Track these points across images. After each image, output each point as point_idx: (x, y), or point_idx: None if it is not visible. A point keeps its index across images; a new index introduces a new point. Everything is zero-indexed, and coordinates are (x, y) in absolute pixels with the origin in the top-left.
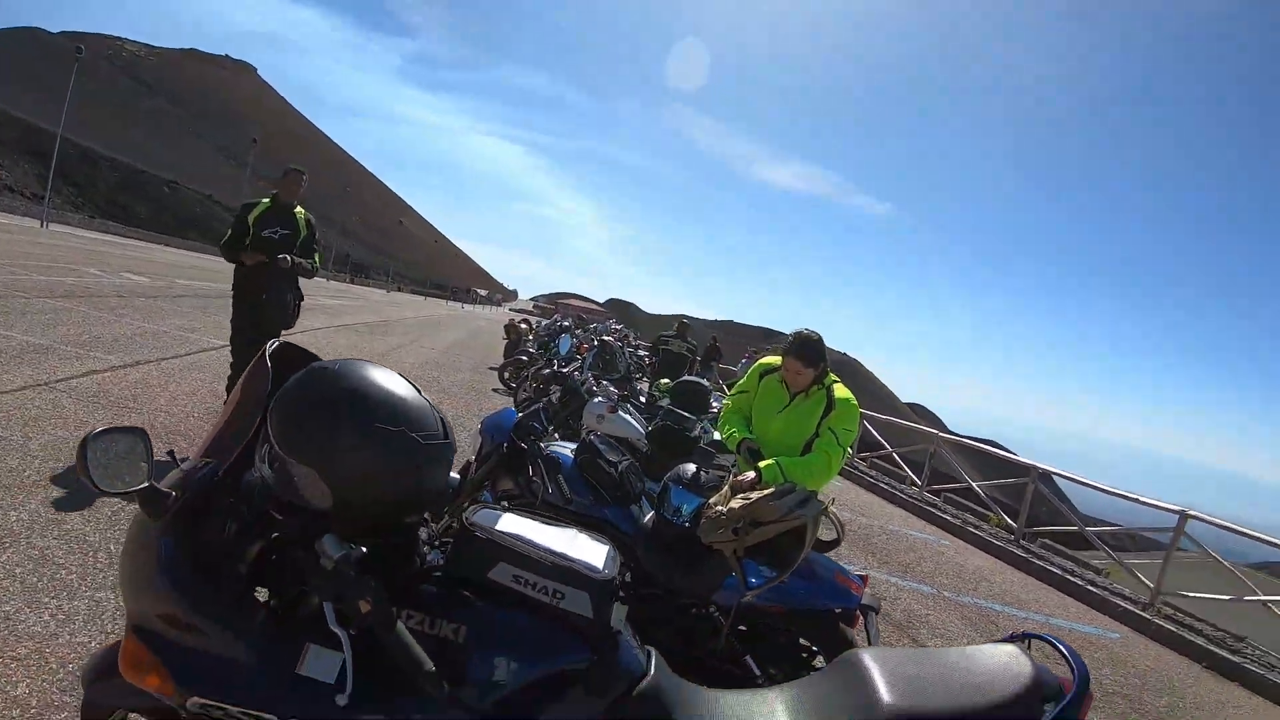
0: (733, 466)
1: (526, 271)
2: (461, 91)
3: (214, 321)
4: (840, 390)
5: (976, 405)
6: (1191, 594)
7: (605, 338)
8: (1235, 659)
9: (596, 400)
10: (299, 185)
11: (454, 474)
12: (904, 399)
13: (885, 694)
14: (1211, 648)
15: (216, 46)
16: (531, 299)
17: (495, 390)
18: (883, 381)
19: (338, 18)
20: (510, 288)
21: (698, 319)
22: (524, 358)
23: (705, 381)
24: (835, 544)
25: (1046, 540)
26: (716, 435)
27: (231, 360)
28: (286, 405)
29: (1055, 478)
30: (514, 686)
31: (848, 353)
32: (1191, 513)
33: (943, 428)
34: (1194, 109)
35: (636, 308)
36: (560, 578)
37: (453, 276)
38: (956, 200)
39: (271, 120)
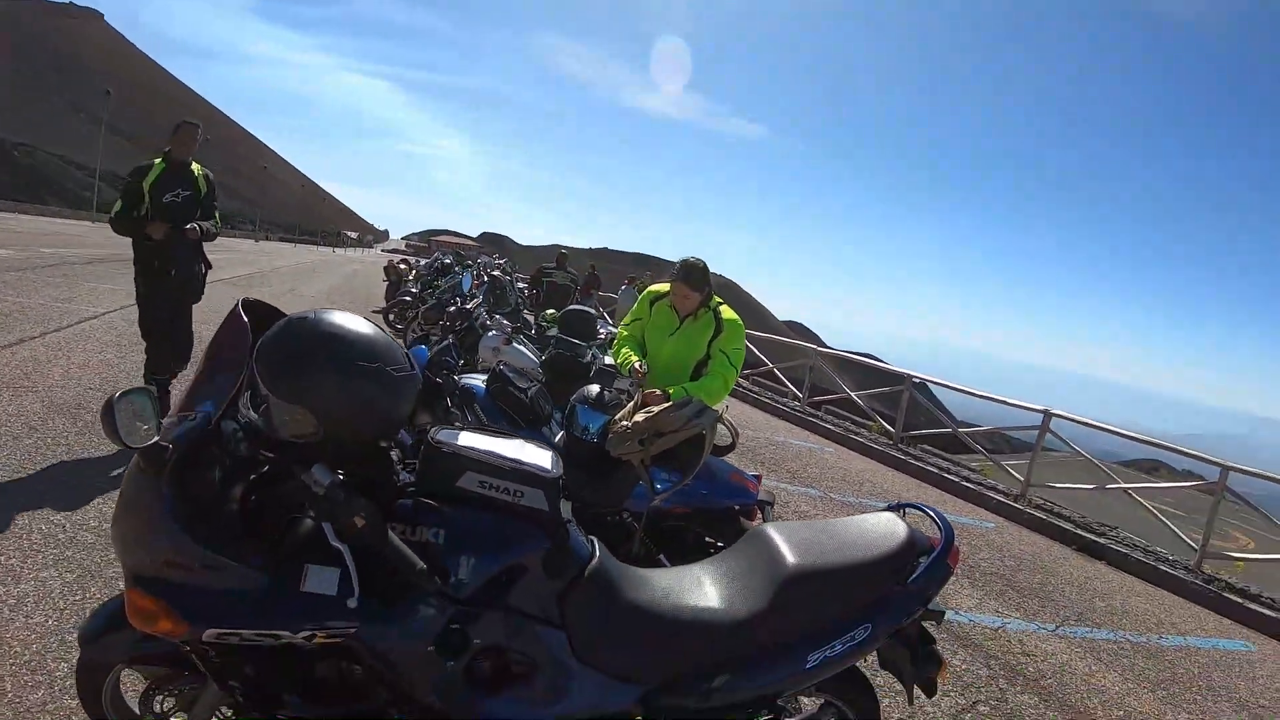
0: (631, 387)
1: (397, 211)
2: (321, 27)
3: (88, 289)
4: (727, 312)
5: (852, 323)
6: (1058, 485)
7: (494, 272)
8: (1101, 541)
9: (491, 334)
10: (194, 140)
11: None
12: (781, 318)
13: (789, 556)
14: (1079, 532)
15: None
16: (403, 238)
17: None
18: (760, 303)
19: None
20: (381, 228)
21: (574, 248)
22: (407, 299)
23: (591, 310)
24: (731, 448)
25: (924, 445)
26: (609, 360)
27: (145, 340)
28: (274, 353)
29: (930, 386)
30: (488, 575)
31: (725, 275)
32: (1054, 411)
33: (821, 344)
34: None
35: (511, 240)
36: (519, 479)
37: (322, 221)
38: (827, 117)
39: (124, 71)
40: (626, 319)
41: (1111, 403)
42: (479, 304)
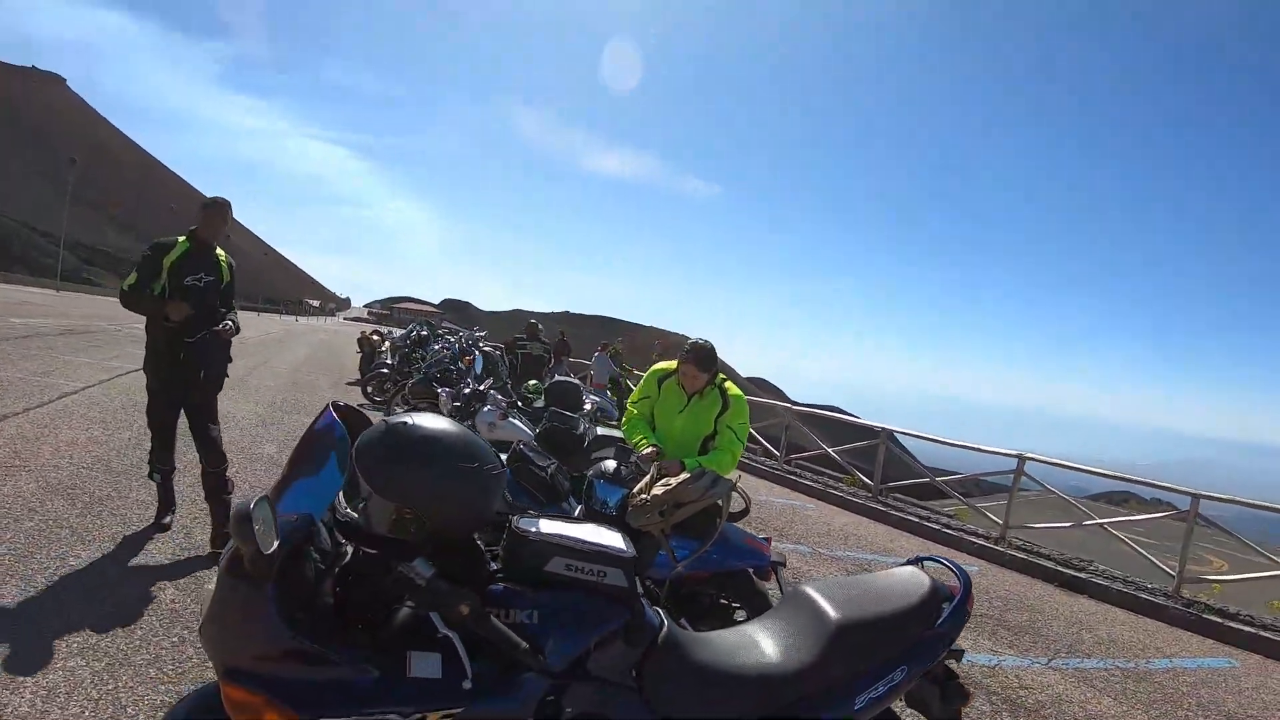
0: (633, 460)
1: (358, 277)
2: (282, 94)
3: (63, 362)
4: (732, 389)
5: (814, 373)
6: (1036, 525)
7: (485, 348)
8: (1082, 576)
9: (487, 409)
10: (223, 221)
11: None
12: (744, 373)
13: (832, 611)
14: (1059, 568)
15: (19, 57)
16: (365, 305)
17: (361, 405)
18: (723, 359)
19: (149, 21)
20: (343, 295)
21: (535, 312)
22: (385, 370)
23: (575, 381)
24: (744, 513)
25: (898, 495)
26: (600, 430)
27: (151, 431)
28: (380, 455)
29: (900, 436)
30: (579, 650)
31: (686, 333)
32: (1028, 455)
33: (784, 397)
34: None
35: (473, 306)
36: (601, 560)
37: (284, 289)
38: (782, 177)
39: (87, 136)
40: (634, 396)
41: (1079, 437)
42: (489, 385)
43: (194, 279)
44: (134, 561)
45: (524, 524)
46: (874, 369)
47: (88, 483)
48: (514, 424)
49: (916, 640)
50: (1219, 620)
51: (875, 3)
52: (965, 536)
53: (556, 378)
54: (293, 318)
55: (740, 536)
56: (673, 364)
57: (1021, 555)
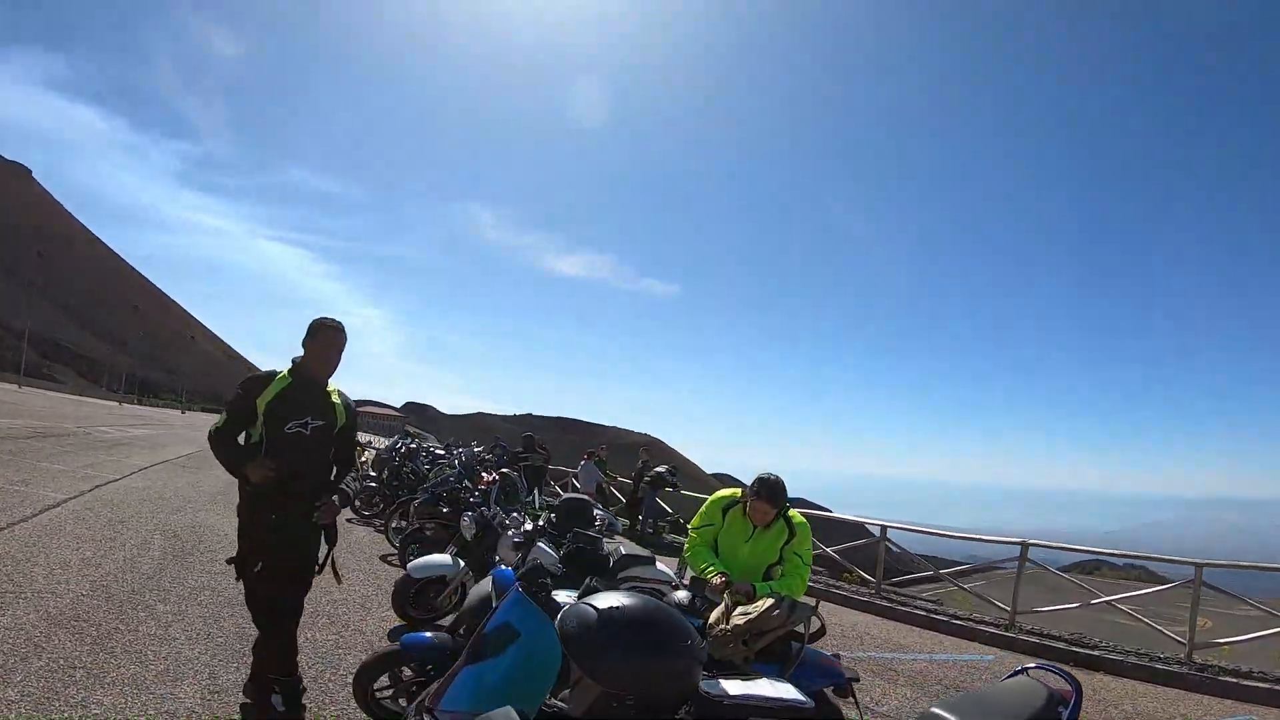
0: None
1: None
2: (246, 195)
3: (40, 469)
4: (797, 517)
5: (778, 466)
6: (1044, 609)
7: (503, 470)
8: (1095, 654)
9: (511, 532)
10: (337, 350)
11: (444, 634)
12: (707, 469)
13: None
14: (1073, 649)
15: None
16: None
17: (350, 521)
18: (685, 456)
19: (117, 118)
20: None
21: (495, 415)
22: (372, 484)
23: (588, 498)
24: (821, 634)
25: (889, 587)
26: (624, 549)
27: (261, 629)
28: (596, 644)
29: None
30: None
31: (649, 432)
32: (1031, 541)
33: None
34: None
35: (433, 409)
36: (791, 716)
37: None
38: (741, 275)
39: (51, 230)
40: (696, 523)
41: (1041, 508)
42: (529, 531)
43: (298, 425)
44: (162, 709)
45: (707, 687)
46: (833, 457)
47: (91, 613)
48: (542, 548)
49: None
50: (1234, 680)
51: (826, 116)
52: (974, 626)
53: (567, 494)
54: None
55: (817, 657)
56: (736, 492)
57: (1033, 639)
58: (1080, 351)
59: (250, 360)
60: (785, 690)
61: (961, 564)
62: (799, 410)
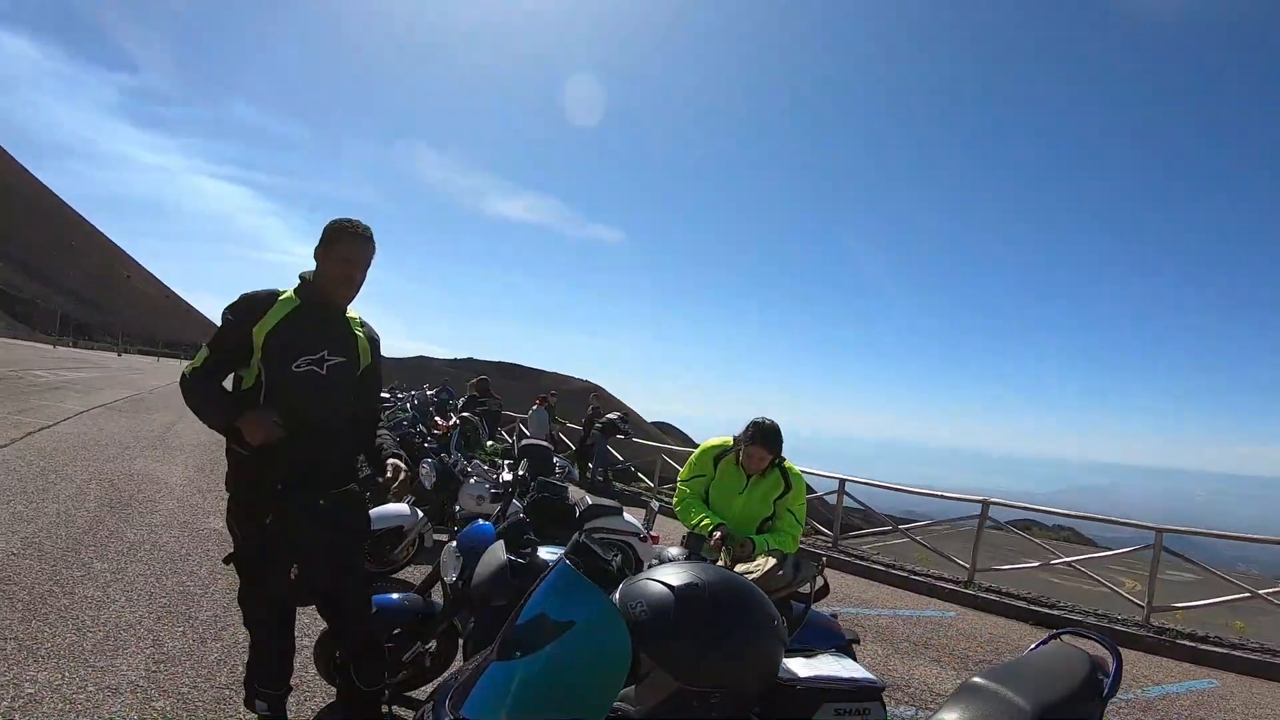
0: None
1: None
2: (186, 130)
3: None
4: (792, 468)
5: (717, 417)
6: (1003, 568)
7: (465, 415)
8: (1055, 613)
9: (474, 481)
10: (362, 268)
11: (435, 598)
12: (649, 418)
13: (1021, 700)
14: (1032, 608)
15: None
16: None
17: None
18: (626, 404)
19: (52, 47)
20: None
21: (437, 359)
22: None
23: (548, 444)
24: (824, 594)
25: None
26: (590, 499)
27: (250, 631)
28: (674, 632)
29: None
30: None
31: (590, 379)
32: (992, 500)
33: (691, 442)
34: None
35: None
36: (864, 697)
37: (184, 332)
38: (690, 226)
39: None
40: (685, 474)
41: (986, 470)
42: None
43: (309, 362)
44: (103, 684)
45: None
46: (768, 411)
47: (22, 574)
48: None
49: (1087, 716)
50: (1191, 644)
51: (782, 61)
52: (935, 583)
53: (526, 440)
54: None
55: (819, 619)
56: (726, 440)
57: (992, 597)
58: (1025, 319)
59: (190, 302)
60: (854, 669)
61: (916, 521)
62: (744, 364)
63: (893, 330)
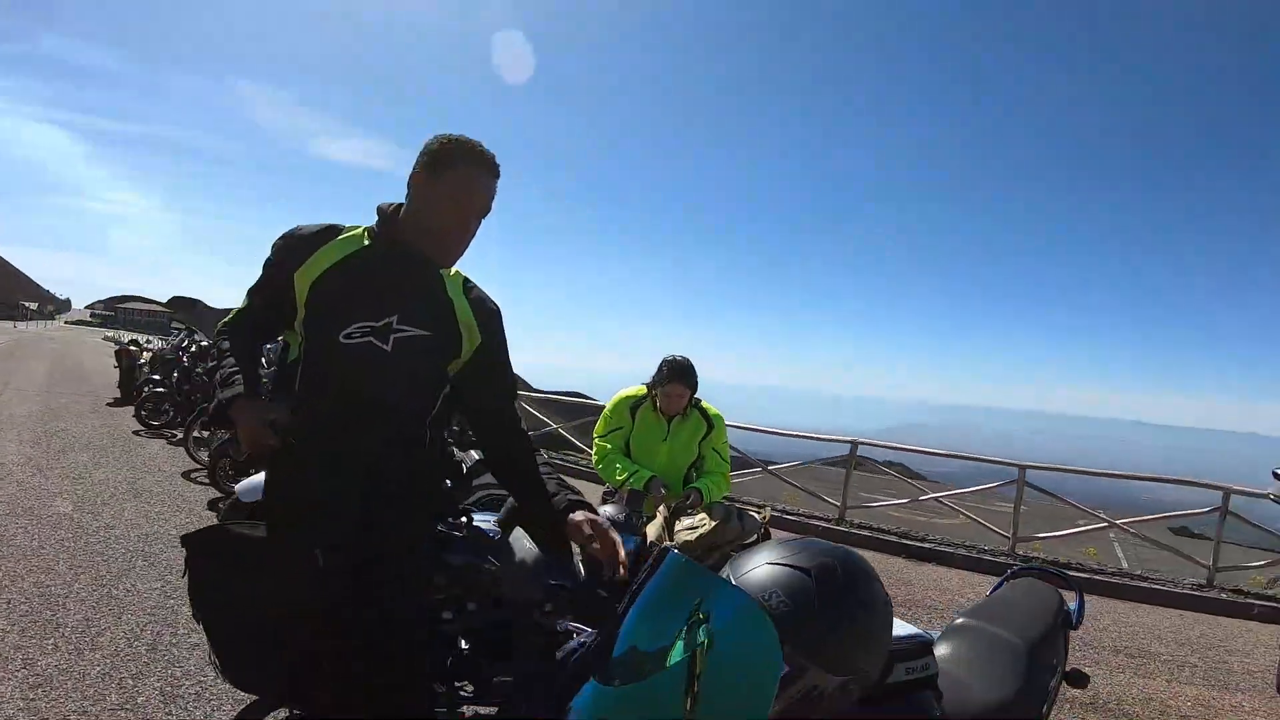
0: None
1: (77, 275)
2: None
3: None
4: (710, 408)
5: (560, 364)
6: (874, 504)
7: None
8: (926, 546)
9: None
10: (477, 214)
11: None
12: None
13: (1009, 634)
14: (903, 542)
15: None
16: (87, 307)
17: (138, 434)
18: None
19: None
20: (62, 296)
21: None
22: (160, 390)
23: None
24: (767, 537)
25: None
26: (476, 455)
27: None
28: (818, 617)
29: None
30: None
31: None
32: (861, 440)
33: (528, 387)
34: None
35: (204, 304)
36: (923, 652)
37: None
38: (539, 165)
39: None
40: (601, 429)
41: (817, 409)
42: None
43: (366, 331)
44: None
45: None
46: (599, 355)
47: None
48: None
49: (1066, 638)
50: (1054, 571)
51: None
52: (807, 521)
53: None
54: (10, 323)
55: None
56: (640, 390)
57: (864, 533)
58: (839, 257)
59: (6, 258)
60: (900, 624)
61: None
62: (597, 307)
63: (688, 269)
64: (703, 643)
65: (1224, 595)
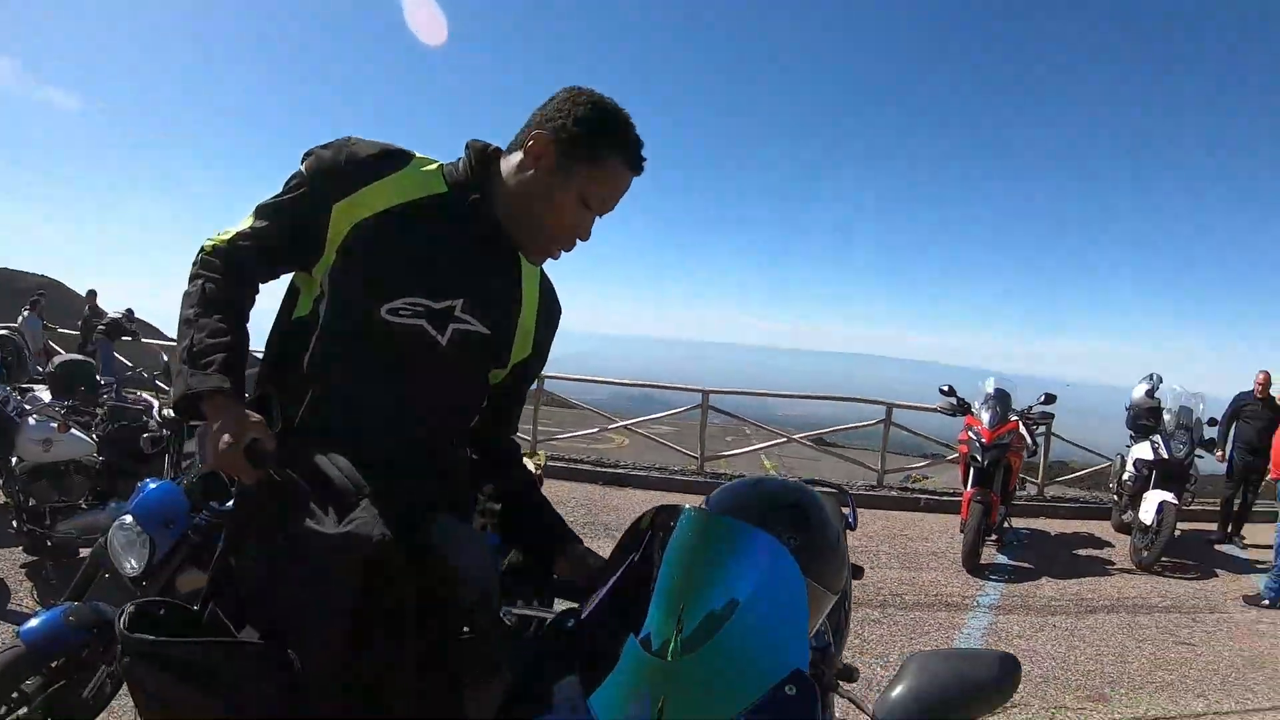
0: None
1: None
2: None
3: None
4: None
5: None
6: (563, 436)
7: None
8: (621, 471)
9: (33, 422)
10: (604, 210)
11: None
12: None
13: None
14: (599, 469)
15: None
16: None
17: None
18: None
19: None
20: None
21: None
22: None
23: (90, 359)
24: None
25: None
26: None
27: None
28: (818, 544)
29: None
30: None
31: (46, 274)
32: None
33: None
34: None
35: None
36: None
37: None
38: (161, 84)
39: None
40: None
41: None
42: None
43: (417, 311)
44: None
45: None
46: None
47: None
48: (77, 436)
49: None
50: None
51: None
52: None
53: (63, 356)
54: None
55: None
56: None
57: (561, 464)
58: None
59: None
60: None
61: None
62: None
63: None
64: (750, 593)
65: (893, 493)
